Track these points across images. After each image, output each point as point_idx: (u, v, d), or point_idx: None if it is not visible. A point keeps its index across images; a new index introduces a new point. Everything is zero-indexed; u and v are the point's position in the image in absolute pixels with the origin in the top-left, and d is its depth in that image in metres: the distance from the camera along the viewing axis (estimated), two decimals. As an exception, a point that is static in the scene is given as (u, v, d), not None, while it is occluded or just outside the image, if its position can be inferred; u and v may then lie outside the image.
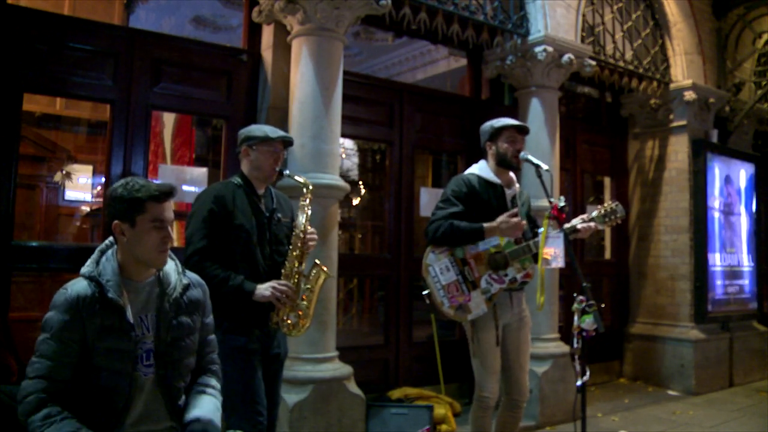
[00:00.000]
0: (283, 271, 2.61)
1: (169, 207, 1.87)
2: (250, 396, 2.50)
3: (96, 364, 1.75)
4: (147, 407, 1.83)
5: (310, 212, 2.68)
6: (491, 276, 3.00)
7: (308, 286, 2.66)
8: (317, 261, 2.74)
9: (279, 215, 2.72)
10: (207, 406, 1.91)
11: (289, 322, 2.60)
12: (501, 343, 3.07)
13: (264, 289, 2.50)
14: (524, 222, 2.99)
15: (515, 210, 2.99)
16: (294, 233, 2.65)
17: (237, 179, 2.68)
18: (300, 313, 2.62)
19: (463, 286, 3.01)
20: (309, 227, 2.67)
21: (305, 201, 2.68)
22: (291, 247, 2.64)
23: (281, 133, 2.73)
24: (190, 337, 1.93)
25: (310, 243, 2.68)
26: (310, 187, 2.73)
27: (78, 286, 1.78)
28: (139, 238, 1.82)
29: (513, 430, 3.19)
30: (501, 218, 2.94)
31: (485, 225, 2.96)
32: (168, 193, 1.86)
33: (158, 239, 1.83)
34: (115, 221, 1.83)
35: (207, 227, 2.53)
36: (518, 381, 3.12)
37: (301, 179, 2.74)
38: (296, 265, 2.62)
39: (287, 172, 2.74)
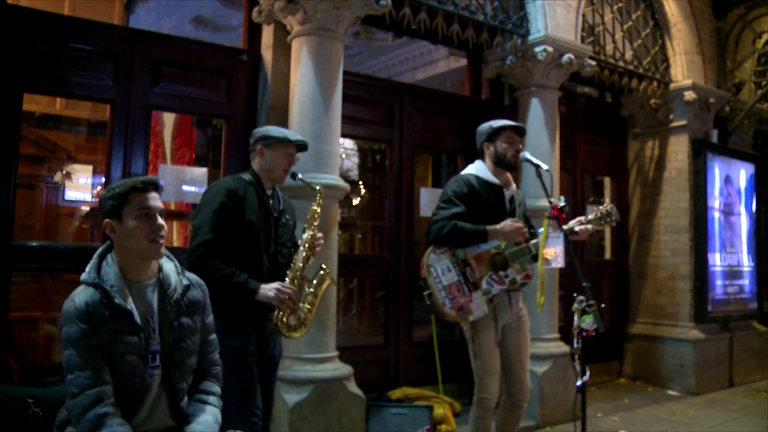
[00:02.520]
0: (288, 272, 2.60)
1: (155, 197, 1.86)
2: (246, 396, 2.50)
3: (115, 368, 1.76)
4: (151, 408, 1.84)
5: (319, 217, 2.70)
6: (492, 277, 3.01)
7: (311, 290, 2.64)
8: (323, 266, 2.73)
9: (287, 216, 2.73)
10: (206, 420, 1.90)
11: (288, 324, 2.57)
12: (501, 344, 3.08)
13: (268, 289, 2.48)
14: (524, 227, 3.02)
15: (516, 219, 3.02)
16: (303, 236, 2.65)
17: (248, 176, 2.67)
18: (301, 317, 2.60)
19: (464, 287, 3.01)
20: (318, 232, 2.67)
21: (316, 206, 2.69)
22: (301, 248, 2.63)
23: (300, 137, 2.76)
24: (191, 337, 1.94)
25: (317, 249, 2.68)
26: (322, 193, 2.74)
27: (84, 294, 1.77)
28: (128, 231, 1.82)
29: (513, 429, 3.19)
30: (505, 222, 2.97)
31: (489, 227, 2.96)
32: (150, 183, 1.86)
33: (147, 227, 1.82)
34: (105, 220, 1.84)
35: (216, 220, 2.50)
36: (520, 380, 3.12)
37: (316, 186, 2.75)
38: (301, 267, 2.61)
39: (300, 176, 2.73)
